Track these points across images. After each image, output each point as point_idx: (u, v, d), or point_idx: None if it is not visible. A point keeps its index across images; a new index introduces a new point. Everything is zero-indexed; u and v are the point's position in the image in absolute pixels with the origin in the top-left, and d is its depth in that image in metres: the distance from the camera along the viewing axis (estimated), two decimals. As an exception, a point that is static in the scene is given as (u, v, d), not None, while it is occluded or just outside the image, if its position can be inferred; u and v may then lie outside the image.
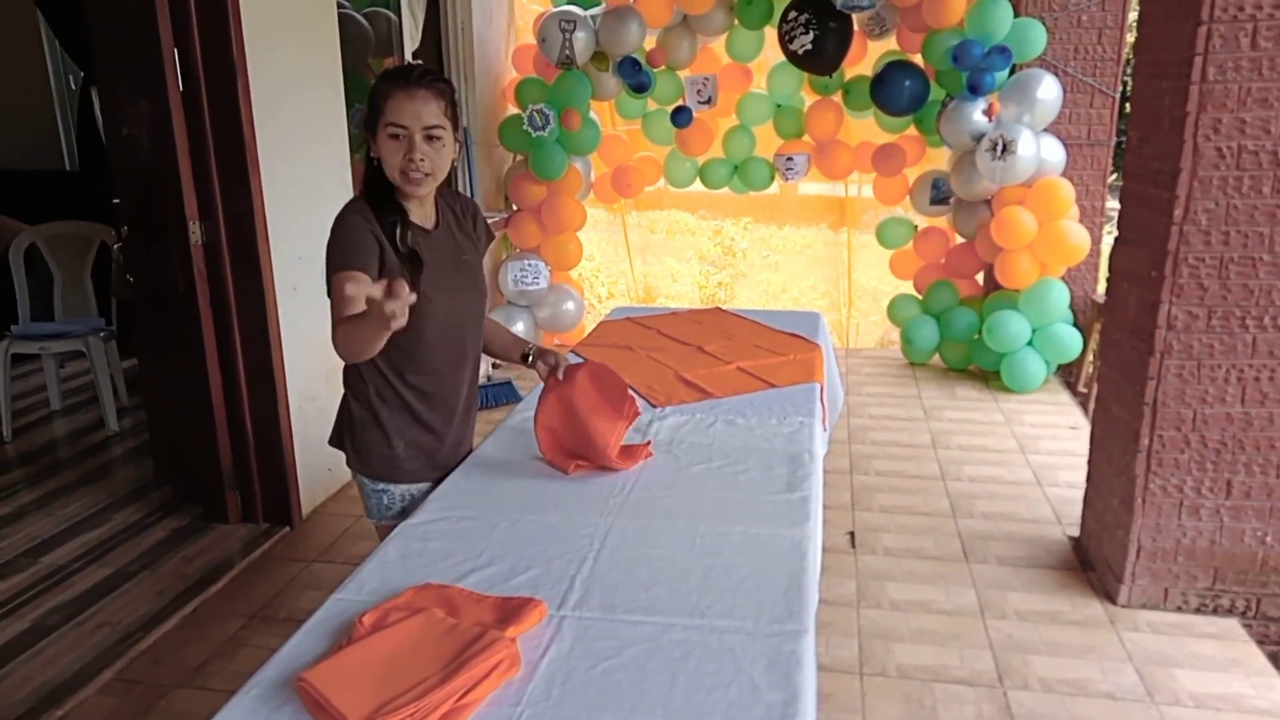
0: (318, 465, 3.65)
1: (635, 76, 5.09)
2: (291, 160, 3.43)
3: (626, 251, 6.66)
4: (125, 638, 2.74)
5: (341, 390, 2.02)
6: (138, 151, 3.39)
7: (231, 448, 3.43)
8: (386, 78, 1.81)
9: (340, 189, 3.74)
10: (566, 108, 5.19)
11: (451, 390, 2.01)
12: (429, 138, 1.79)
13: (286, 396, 3.42)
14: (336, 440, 2.04)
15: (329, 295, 1.82)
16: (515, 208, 5.71)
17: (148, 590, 3.02)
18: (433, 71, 1.85)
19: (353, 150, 3.91)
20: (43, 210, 5.14)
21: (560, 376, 2.04)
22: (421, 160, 1.79)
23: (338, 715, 1.15)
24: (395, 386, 1.93)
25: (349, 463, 2.01)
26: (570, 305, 5.72)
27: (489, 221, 5.65)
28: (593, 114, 5.41)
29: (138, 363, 4.11)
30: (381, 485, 1.99)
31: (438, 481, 2.01)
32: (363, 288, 1.46)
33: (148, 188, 3.39)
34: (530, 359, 2.10)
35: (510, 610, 1.40)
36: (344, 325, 1.67)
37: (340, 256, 1.79)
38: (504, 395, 4.83)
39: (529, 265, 5.55)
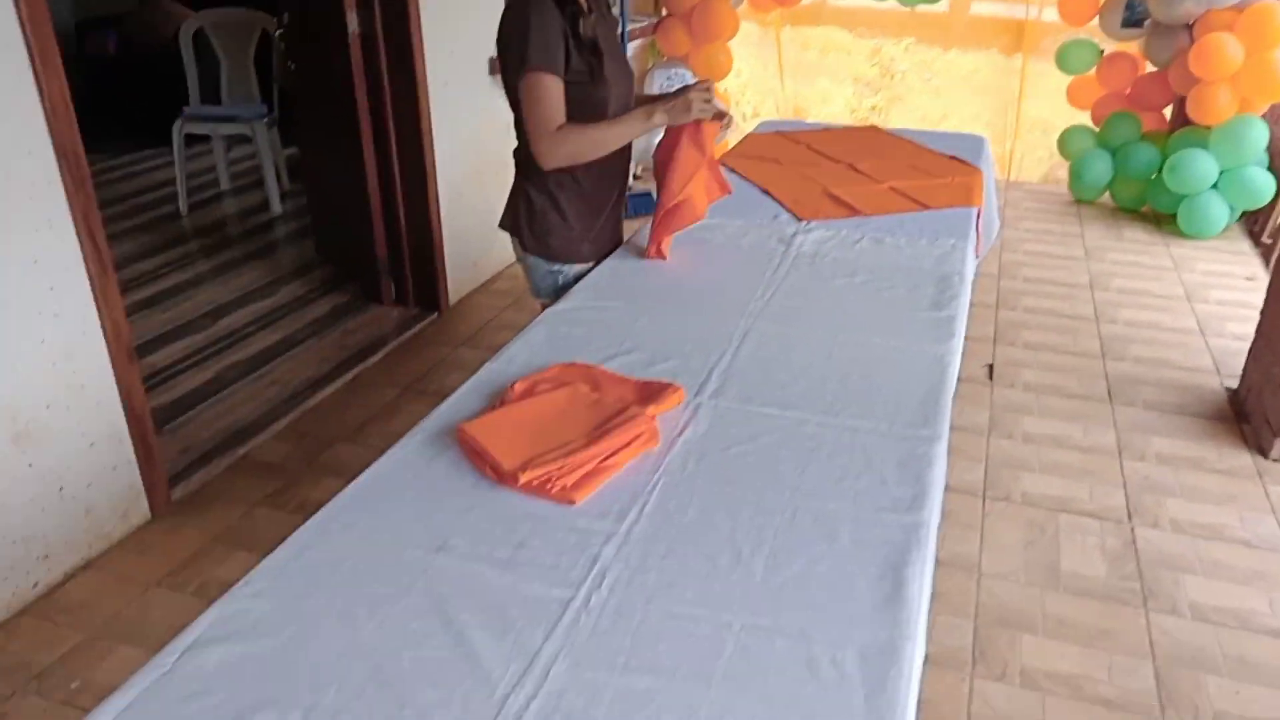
0: (464, 258, 3.79)
1: None
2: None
3: (779, 68, 6.35)
4: (294, 395, 3.03)
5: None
6: (299, -67, 3.39)
7: (385, 237, 3.58)
8: None
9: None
10: (729, -100, 4.85)
11: (617, 171, 2.07)
12: None
13: (437, 190, 3.52)
14: (511, 224, 2.09)
15: (516, 88, 1.84)
16: (665, 13, 5.47)
17: (313, 356, 3.29)
18: None
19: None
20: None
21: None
22: None
23: (493, 462, 1.25)
24: (573, 172, 1.97)
25: (525, 246, 2.07)
26: (716, 118, 5.55)
27: (639, 26, 5.38)
28: (756, -92, 5.04)
29: (298, 150, 4.28)
30: (558, 266, 2.07)
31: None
32: None
33: (308, -28, 3.41)
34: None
35: (651, 392, 1.46)
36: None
37: (538, 52, 1.80)
38: (643, 206, 4.83)
39: (676, 74, 5.37)
